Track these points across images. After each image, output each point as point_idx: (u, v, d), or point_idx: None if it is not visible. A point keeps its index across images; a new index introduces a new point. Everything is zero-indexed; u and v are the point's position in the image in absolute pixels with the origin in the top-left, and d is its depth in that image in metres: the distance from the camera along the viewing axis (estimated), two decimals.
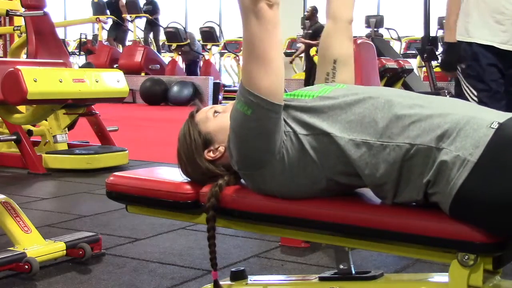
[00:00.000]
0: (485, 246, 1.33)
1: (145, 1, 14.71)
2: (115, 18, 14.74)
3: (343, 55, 1.74)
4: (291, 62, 13.66)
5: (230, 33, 15.71)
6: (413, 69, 7.35)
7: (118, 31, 15.23)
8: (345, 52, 1.74)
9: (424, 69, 8.72)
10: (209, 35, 14.18)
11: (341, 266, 1.61)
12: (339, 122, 1.47)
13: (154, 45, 15.03)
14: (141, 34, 14.79)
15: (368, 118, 1.45)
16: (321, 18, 11.30)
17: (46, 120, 5.21)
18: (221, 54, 15.91)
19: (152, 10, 14.61)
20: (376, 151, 1.42)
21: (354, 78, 1.77)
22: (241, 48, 1.54)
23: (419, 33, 9.58)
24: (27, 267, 2.43)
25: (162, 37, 14.78)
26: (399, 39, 13.83)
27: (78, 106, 4.99)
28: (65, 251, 2.63)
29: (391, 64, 6.48)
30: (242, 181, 1.63)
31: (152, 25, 14.79)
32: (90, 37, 16.33)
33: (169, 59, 14.21)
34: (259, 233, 2.35)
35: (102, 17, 14.45)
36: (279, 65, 1.46)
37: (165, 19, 14.89)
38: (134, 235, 3.16)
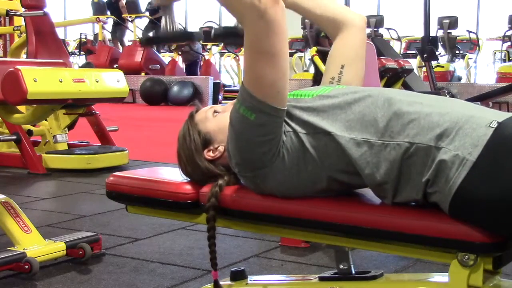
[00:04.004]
0: (485, 246, 1.33)
1: (148, 1, 14.71)
2: (115, 18, 14.74)
3: (352, 60, 1.73)
4: None
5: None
6: (413, 69, 7.33)
7: (118, 30, 15.24)
8: (354, 57, 1.74)
9: (424, 69, 8.71)
10: (209, 35, 14.17)
11: (341, 266, 1.61)
12: (339, 121, 1.47)
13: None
14: (139, 34, 14.78)
15: (368, 116, 1.45)
16: None
17: (46, 120, 5.21)
18: (221, 54, 15.91)
19: (157, 11, 14.62)
20: (377, 150, 1.42)
21: (361, 80, 1.75)
22: (241, 48, 1.52)
23: (419, 33, 9.57)
24: (27, 267, 2.43)
25: None
26: (399, 39, 13.82)
27: (78, 106, 4.99)
28: (65, 251, 2.63)
29: (391, 64, 6.46)
30: None
31: (154, 25, 14.80)
32: (90, 37, 16.34)
33: (169, 59, 14.21)
34: (259, 233, 2.35)
35: (102, 17, 14.43)
36: (284, 61, 1.44)
37: None
38: (134, 235, 3.16)
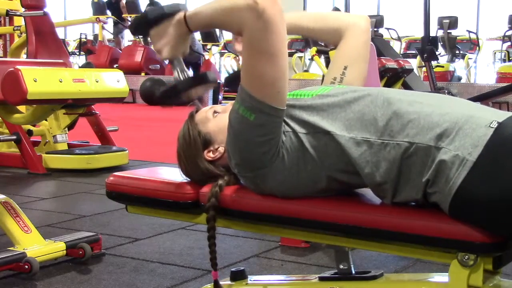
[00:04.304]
0: (485, 246, 1.33)
1: (148, 2, 14.70)
2: (115, 18, 14.74)
3: (355, 60, 1.74)
4: None
5: (230, 33, 15.68)
6: (413, 69, 7.33)
7: (115, 29, 15.26)
8: (357, 58, 1.74)
9: (424, 69, 8.71)
10: (209, 35, 14.15)
11: (341, 266, 1.61)
12: (339, 120, 1.47)
13: None
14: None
15: (368, 115, 1.45)
16: None
17: (46, 120, 5.21)
18: (221, 54, 15.90)
19: None
20: (377, 149, 1.42)
21: (363, 81, 1.75)
22: None
23: (419, 33, 9.58)
24: (27, 267, 2.43)
25: None
26: (399, 39, 13.82)
27: (78, 106, 4.99)
28: (65, 251, 2.64)
29: (391, 64, 6.46)
30: None
31: None
32: (90, 37, 16.34)
33: None
34: (259, 233, 2.35)
35: (102, 17, 14.43)
36: (284, 61, 1.44)
37: None
38: (134, 235, 3.16)
